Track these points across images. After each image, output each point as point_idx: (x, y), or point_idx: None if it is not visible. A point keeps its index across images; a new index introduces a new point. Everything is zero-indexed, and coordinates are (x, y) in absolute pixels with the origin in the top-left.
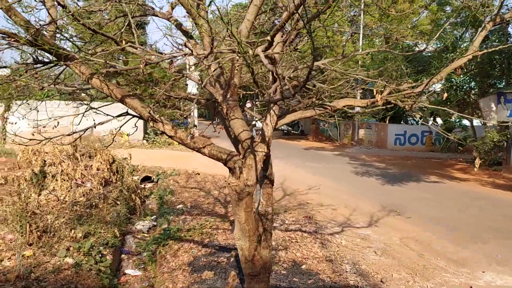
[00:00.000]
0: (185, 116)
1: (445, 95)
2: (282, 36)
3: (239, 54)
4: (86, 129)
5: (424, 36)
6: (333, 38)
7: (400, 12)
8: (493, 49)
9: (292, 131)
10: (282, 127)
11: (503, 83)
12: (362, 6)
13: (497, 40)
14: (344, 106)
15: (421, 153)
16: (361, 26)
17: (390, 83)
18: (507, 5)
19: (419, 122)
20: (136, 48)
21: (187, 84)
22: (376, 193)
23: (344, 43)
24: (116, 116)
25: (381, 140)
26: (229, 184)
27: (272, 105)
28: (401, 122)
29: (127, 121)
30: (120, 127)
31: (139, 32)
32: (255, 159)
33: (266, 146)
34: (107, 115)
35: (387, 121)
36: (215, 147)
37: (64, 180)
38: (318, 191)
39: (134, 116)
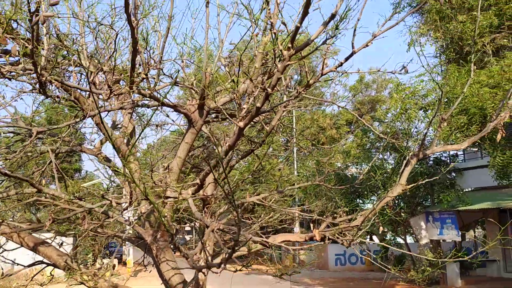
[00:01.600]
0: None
1: (381, 228)
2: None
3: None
4: None
5: (353, 159)
6: (268, 162)
7: (328, 137)
8: (420, 182)
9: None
10: None
11: (429, 202)
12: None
13: (417, 163)
14: (282, 242)
15: (362, 273)
16: (294, 150)
17: (326, 215)
18: (428, 138)
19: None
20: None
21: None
22: None
23: (279, 166)
24: (27, 266)
25: (322, 261)
26: None
27: (206, 245)
28: (323, 242)
29: (42, 269)
30: (35, 274)
31: (74, 159)
32: None
33: None
34: (17, 264)
35: (326, 242)
36: None
37: None
38: None
39: (49, 264)
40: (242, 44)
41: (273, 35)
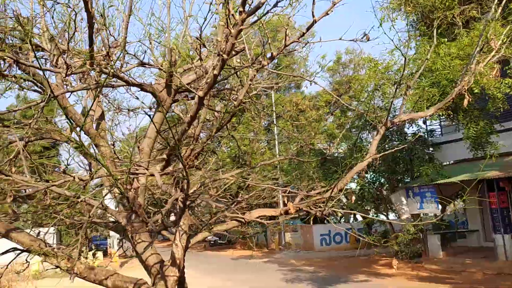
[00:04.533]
0: (103, 236)
1: (353, 197)
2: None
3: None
4: None
5: (334, 139)
6: (249, 146)
7: (308, 119)
8: (390, 150)
9: (219, 241)
10: (208, 237)
11: (409, 178)
12: (274, 117)
13: (396, 140)
14: (258, 217)
15: (347, 251)
16: (276, 134)
17: (301, 189)
18: (394, 111)
19: (342, 221)
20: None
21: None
22: None
23: (261, 150)
24: (1, 254)
25: (307, 242)
26: None
27: (181, 223)
28: (325, 222)
29: (16, 256)
30: (9, 263)
31: (52, 153)
32: (167, 285)
33: (178, 269)
34: None
35: (311, 223)
36: (119, 276)
37: None
38: None
39: (23, 251)
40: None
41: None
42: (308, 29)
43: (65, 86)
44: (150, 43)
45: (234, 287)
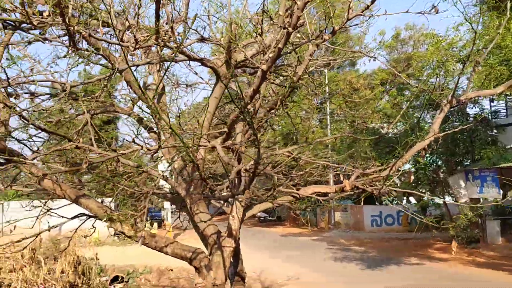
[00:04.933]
0: (158, 208)
1: (412, 177)
2: (244, 126)
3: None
4: (40, 233)
5: (389, 118)
6: (301, 125)
7: (362, 98)
8: (453, 130)
9: (268, 218)
10: (258, 214)
11: (469, 160)
12: (327, 95)
13: (457, 120)
14: (313, 193)
15: (398, 234)
16: (328, 113)
17: (357, 167)
18: (462, 88)
19: (394, 203)
20: (93, 146)
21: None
22: (359, 280)
23: (313, 129)
24: (71, 218)
25: (357, 222)
26: (195, 285)
27: (238, 196)
28: (376, 203)
29: (83, 222)
30: (78, 227)
31: (111, 127)
32: (223, 255)
33: (234, 240)
34: (62, 217)
35: (362, 203)
36: (178, 245)
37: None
38: (298, 282)
39: (90, 216)
40: None
41: None
42: (372, 1)
43: (130, 61)
44: (209, 18)
45: (283, 263)
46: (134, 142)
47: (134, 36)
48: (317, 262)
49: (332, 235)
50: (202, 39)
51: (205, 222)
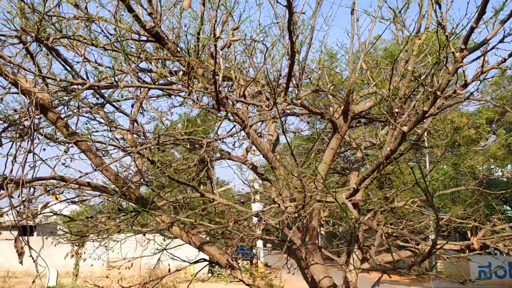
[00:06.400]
0: (249, 246)
1: None
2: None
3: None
4: (165, 276)
5: (496, 160)
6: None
7: (466, 138)
8: None
9: None
10: None
11: None
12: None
13: None
14: (434, 251)
15: None
16: (426, 153)
17: (481, 221)
18: None
19: (504, 254)
20: (214, 194)
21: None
22: None
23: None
24: (192, 263)
25: (463, 273)
26: None
27: (356, 249)
28: (483, 252)
29: (203, 267)
30: (198, 271)
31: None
32: None
33: None
34: (184, 261)
35: (467, 252)
36: None
37: None
38: None
39: (210, 262)
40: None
41: (446, 37)
42: (511, 55)
43: (251, 116)
44: (320, 69)
45: None
46: (254, 199)
47: (267, 98)
48: None
49: (435, 285)
50: (317, 90)
51: (318, 272)
